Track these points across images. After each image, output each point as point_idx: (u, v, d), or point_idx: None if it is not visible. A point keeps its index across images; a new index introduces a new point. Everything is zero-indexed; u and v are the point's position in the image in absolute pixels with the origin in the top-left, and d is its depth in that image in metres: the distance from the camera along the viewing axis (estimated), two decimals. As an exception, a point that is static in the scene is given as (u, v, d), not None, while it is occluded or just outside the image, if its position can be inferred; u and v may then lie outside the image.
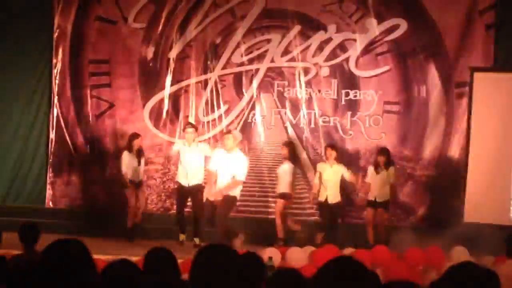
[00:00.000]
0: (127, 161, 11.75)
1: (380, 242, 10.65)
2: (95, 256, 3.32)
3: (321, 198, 11.34)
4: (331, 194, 11.28)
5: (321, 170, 11.42)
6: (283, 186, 11.59)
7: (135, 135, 11.99)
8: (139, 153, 11.89)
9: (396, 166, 11.58)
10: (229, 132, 11.60)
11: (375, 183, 11.41)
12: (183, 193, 11.43)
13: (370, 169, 11.52)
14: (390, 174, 11.39)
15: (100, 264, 3.75)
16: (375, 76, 12.48)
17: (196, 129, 11.72)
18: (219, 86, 12.91)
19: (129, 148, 11.83)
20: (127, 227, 11.76)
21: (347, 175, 11.39)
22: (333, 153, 11.33)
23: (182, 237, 11.33)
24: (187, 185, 11.30)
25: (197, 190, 11.29)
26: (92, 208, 12.91)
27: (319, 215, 11.77)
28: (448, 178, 12.08)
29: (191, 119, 12.74)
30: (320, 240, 10.90)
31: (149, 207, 12.74)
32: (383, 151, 11.55)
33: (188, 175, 11.29)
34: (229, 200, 10.94)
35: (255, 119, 12.82)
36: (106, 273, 3.51)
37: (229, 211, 11.09)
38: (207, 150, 11.51)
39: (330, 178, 11.28)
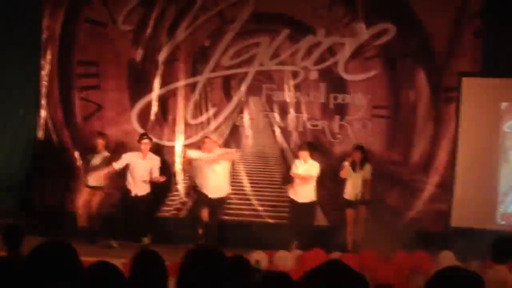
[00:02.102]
0: None
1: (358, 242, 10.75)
2: (82, 259, 3.30)
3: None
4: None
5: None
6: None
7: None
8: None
9: (370, 164, 11.56)
10: (207, 137, 11.98)
11: (352, 181, 11.36)
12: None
13: (347, 166, 11.41)
14: (366, 171, 11.37)
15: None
16: (364, 80, 12.49)
17: (151, 140, 11.95)
18: (207, 89, 12.89)
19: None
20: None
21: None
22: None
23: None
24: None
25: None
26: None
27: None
28: (435, 183, 12.10)
29: (180, 122, 12.73)
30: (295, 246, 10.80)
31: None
32: (358, 146, 11.52)
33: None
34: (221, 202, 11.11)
35: (243, 122, 12.81)
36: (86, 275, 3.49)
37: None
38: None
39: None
